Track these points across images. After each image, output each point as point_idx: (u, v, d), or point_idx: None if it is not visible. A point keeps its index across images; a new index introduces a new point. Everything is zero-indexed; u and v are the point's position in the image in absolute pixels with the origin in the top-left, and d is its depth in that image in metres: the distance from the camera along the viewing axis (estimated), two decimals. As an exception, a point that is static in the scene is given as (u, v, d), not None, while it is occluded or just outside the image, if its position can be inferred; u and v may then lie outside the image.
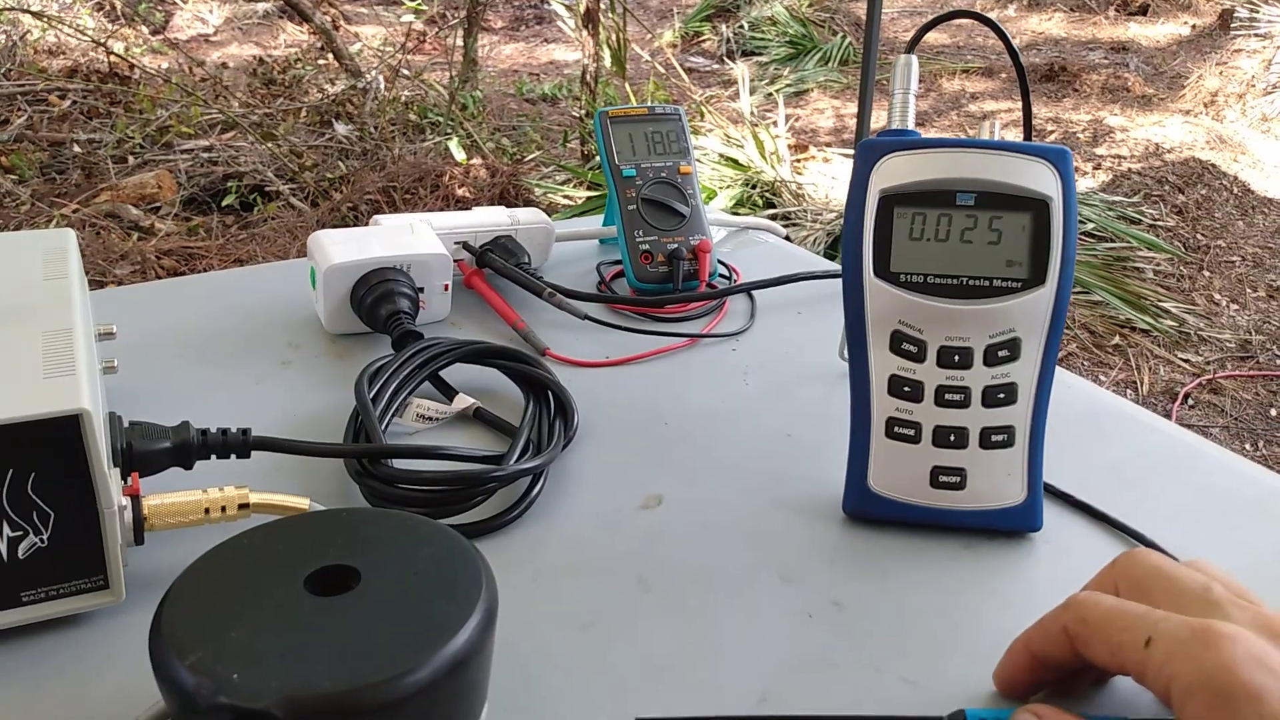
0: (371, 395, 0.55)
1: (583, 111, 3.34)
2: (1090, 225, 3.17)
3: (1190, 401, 2.46)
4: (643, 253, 0.74)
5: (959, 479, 0.49)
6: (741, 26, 5.97)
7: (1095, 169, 3.83)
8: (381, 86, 4.22)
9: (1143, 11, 6.48)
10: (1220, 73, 4.81)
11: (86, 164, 3.25)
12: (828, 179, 3.62)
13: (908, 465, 0.49)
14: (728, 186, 3.12)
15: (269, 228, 2.94)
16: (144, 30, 6.29)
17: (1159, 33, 6.12)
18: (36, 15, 4.28)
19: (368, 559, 0.34)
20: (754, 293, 0.76)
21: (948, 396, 0.49)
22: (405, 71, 4.41)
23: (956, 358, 0.48)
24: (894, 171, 0.49)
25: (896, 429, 0.49)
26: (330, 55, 4.69)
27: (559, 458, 0.54)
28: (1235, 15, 5.10)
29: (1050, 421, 0.49)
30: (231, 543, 0.35)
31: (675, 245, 0.75)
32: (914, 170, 0.49)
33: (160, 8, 7.01)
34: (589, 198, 3.13)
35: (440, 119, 3.84)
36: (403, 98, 4.22)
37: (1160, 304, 2.84)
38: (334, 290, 0.65)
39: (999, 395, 0.48)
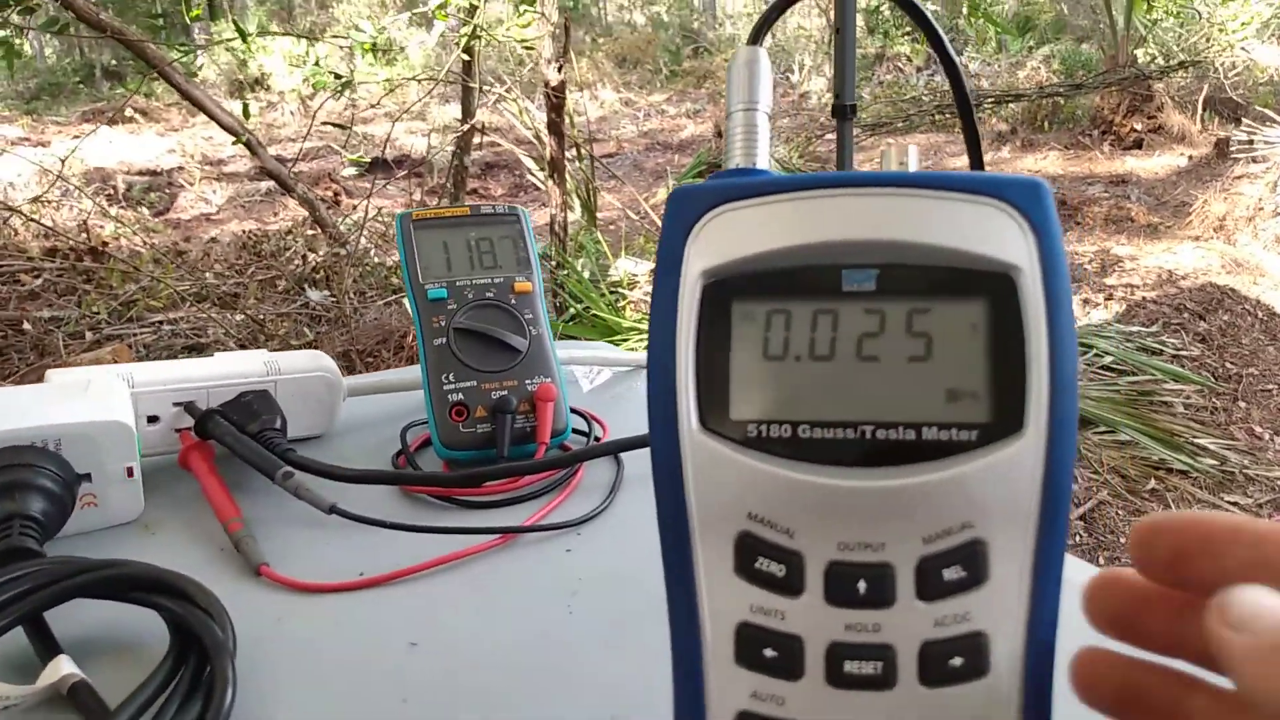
0: None
1: (553, 263, 3.19)
2: (1109, 358, 2.93)
3: (1246, 550, 2.15)
4: (454, 406, 0.51)
5: (882, 846, 0.24)
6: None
7: (1107, 299, 3.62)
8: (372, 253, 4.13)
9: (1138, 145, 6.47)
10: (1225, 198, 4.68)
11: (39, 342, 3.10)
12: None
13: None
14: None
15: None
16: (144, 212, 6.37)
17: (1156, 164, 6.07)
18: (13, 210, 4.24)
19: None
20: (622, 456, 0.52)
21: (851, 668, 0.24)
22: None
23: (864, 586, 0.25)
24: (728, 238, 0.26)
25: (758, 741, 0.25)
26: (316, 226, 4.64)
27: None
28: (1233, 140, 5.02)
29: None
30: None
31: (503, 393, 0.52)
32: (764, 233, 0.26)
33: (167, 190, 7.15)
34: (567, 352, 2.93)
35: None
36: (389, 263, 4.13)
37: (1196, 440, 2.57)
38: (-75, 485, 0.41)
39: (951, 663, 0.24)
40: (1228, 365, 3.09)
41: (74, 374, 0.49)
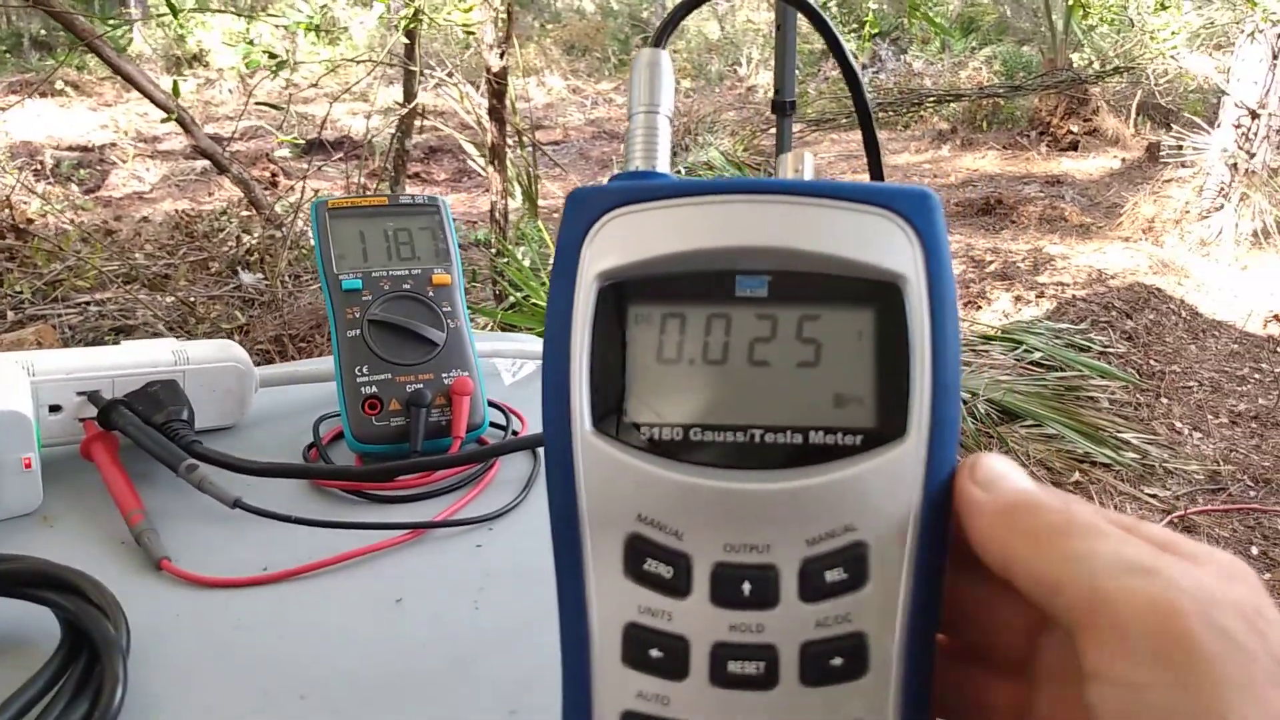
0: None
1: (493, 251, 3.17)
2: (1038, 355, 3.00)
3: (1163, 542, 2.22)
4: (367, 399, 0.50)
5: (758, 842, 0.24)
6: (678, 171, 5.97)
7: (1039, 297, 3.71)
8: (308, 236, 4.05)
9: (1073, 147, 6.62)
10: (1154, 201, 4.81)
11: (-44, 323, 2.99)
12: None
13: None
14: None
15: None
16: (74, 189, 6.17)
17: (1091, 166, 6.22)
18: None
19: None
20: (539, 451, 0.52)
21: (734, 669, 0.25)
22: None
23: (748, 588, 0.25)
24: (624, 241, 0.26)
25: (642, 739, 0.25)
26: (252, 207, 4.54)
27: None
28: (1163, 144, 5.16)
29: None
30: None
31: (418, 387, 0.51)
32: (660, 237, 0.26)
33: (99, 167, 6.92)
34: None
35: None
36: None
37: (1120, 435, 2.64)
38: None
39: (831, 663, 0.25)
40: (1152, 362, 3.19)
41: (-30, 361, 0.47)
